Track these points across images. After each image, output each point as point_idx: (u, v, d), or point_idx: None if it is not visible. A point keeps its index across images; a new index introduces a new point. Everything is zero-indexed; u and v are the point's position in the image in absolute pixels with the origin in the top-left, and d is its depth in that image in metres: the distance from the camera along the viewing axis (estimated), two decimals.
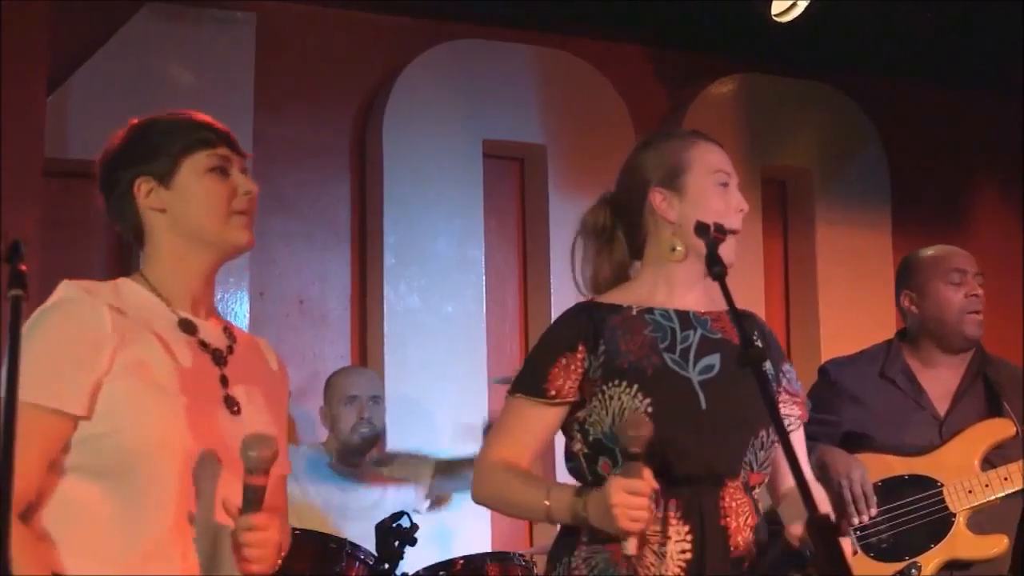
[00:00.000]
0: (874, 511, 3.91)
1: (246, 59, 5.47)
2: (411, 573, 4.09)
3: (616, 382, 2.82)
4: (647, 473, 2.62)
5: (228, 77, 5.41)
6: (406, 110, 5.73)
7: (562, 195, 5.92)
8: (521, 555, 4.26)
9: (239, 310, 5.39)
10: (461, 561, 4.15)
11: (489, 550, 4.96)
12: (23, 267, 2.10)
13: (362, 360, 5.66)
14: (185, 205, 2.51)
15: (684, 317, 2.89)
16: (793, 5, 5.31)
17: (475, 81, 5.88)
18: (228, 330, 2.62)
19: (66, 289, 2.41)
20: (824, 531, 2.17)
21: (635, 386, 2.81)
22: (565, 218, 5.88)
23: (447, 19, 5.89)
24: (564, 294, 5.84)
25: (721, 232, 2.76)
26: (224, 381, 2.51)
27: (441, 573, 4.06)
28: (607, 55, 6.11)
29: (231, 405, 2.49)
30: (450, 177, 5.79)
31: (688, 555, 2.74)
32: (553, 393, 2.83)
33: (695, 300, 2.94)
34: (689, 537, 2.74)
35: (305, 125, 5.70)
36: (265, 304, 5.57)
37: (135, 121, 2.60)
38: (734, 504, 2.80)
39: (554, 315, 5.76)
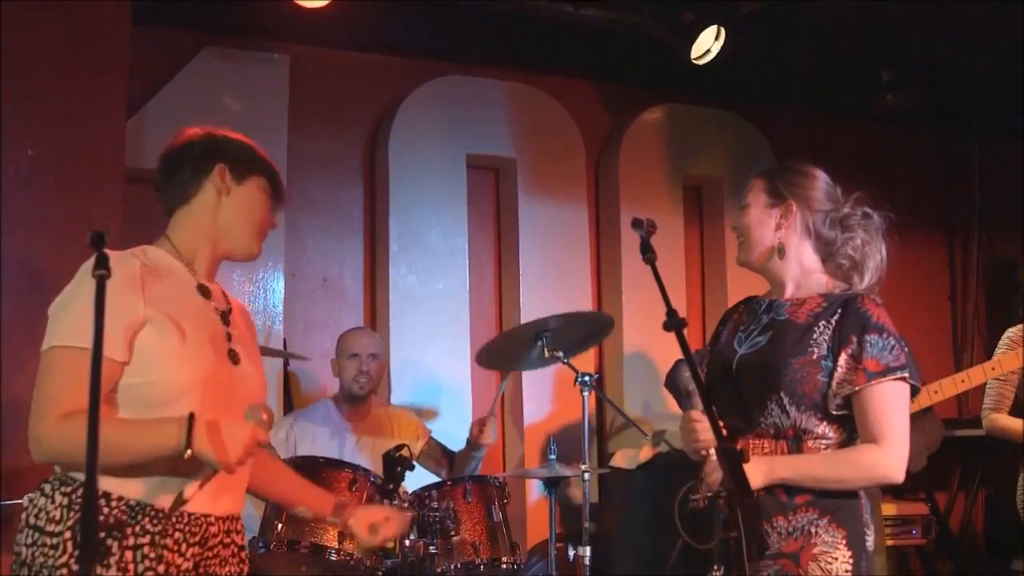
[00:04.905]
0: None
1: (282, 90, 5.45)
2: (410, 491, 4.09)
3: None
4: None
5: (268, 104, 5.40)
6: (407, 130, 5.70)
7: (529, 198, 5.91)
8: (496, 477, 4.26)
9: (276, 287, 5.36)
10: (448, 483, 4.16)
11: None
12: (106, 252, 2.08)
13: (372, 326, 5.60)
14: (241, 202, 2.49)
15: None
16: (708, 51, 5.30)
17: (460, 108, 5.85)
18: (224, 295, 2.56)
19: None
20: (731, 457, 2.18)
21: None
22: (531, 216, 5.89)
23: (439, 60, 5.86)
24: (531, 276, 5.85)
25: (652, 227, 2.67)
26: (229, 338, 2.46)
27: (433, 491, 4.06)
28: (563, 88, 6.09)
29: (233, 357, 2.43)
30: (441, 183, 5.75)
31: None
32: None
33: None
34: None
35: (328, 142, 5.68)
36: (296, 282, 5.54)
37: (227, 131, 2.57)
38: None
39: (522, 293, 5.81)
